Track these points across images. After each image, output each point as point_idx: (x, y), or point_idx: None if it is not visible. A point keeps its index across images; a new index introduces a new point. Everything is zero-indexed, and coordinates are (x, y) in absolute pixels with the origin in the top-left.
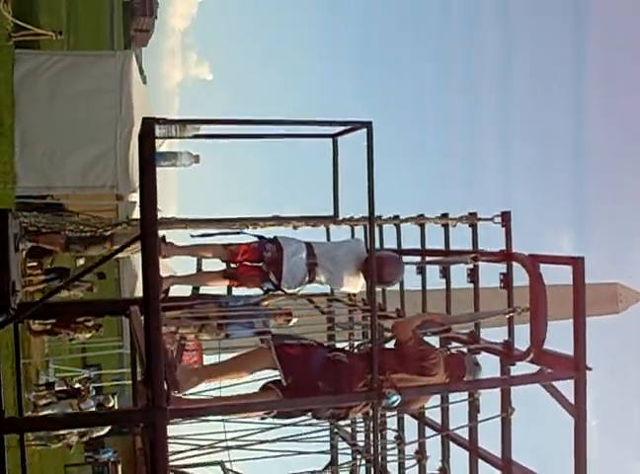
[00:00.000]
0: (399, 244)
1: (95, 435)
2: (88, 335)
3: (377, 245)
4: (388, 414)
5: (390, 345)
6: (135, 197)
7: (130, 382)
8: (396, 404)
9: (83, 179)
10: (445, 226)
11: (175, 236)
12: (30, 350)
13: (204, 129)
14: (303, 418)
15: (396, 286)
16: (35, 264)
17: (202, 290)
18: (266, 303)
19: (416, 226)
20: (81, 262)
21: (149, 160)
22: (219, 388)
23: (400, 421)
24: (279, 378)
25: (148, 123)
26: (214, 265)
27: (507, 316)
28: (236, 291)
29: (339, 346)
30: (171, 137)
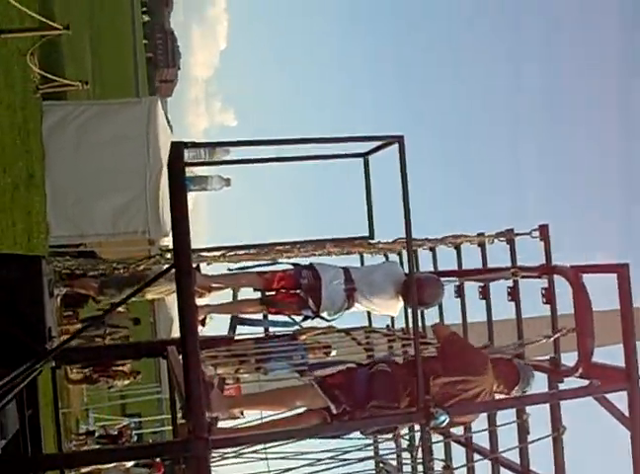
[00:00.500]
0: (435, 266)
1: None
2: (126, 382)
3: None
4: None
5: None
6: (167, 240)
7: (171, 428)
8: (444, 424)
9: (114, 226)
10: (482, 245)
11: (207, 269)
12: (69, 399)
13: (234, 154)
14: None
15: (435, 312)
16: (70, 313)
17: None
18: (303, 337)
19: (451, 249)
20: (118, 310)
21: (179, 184)
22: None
23: (447, 447)
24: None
25: (177, 147)
26: (249, 292)
27: (552, 339)
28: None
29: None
30: (201, 163)
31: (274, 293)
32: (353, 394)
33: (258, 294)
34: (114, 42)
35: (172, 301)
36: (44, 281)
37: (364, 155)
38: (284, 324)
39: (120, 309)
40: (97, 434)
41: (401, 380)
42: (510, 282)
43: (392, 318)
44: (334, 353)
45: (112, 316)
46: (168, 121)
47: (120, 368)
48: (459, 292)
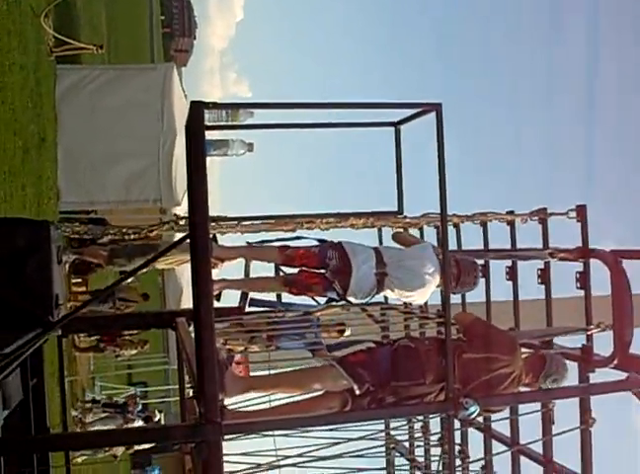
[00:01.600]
0: (459, 244)
1: (141, 448)
2: (134, 351)
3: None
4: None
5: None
6: (179, 209)
7: (177, 399)
8: (474, 415)
9: (126, 193)
10: (512, 224)
11: (223, 239)
12: (76, 367)
13: (257, 117)
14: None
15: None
16: (79, 280)
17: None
18: (318, 313)
19: (477, 227)
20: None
21: (198, 148)
22: (269, 400)
23: (464, 434)
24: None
25: (197, 107)
26: (262, 268)
27: (588, 333)
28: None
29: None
30: (222, 127)
31: (298, 273)
32: (377, 372)
33: (273, 270)
34: (130, 10)
35: (182, 271)
36: (53, 248)
37: (396, 124)
38: (299, 307)
39: (130, 283)
40: (102, 403)
41: (425, 355)
42: (540, 264)
43: None
44: (348, 332)
45: (122, 289)
46: (183, 91)
47: (128, 337)
48: (484, 272)
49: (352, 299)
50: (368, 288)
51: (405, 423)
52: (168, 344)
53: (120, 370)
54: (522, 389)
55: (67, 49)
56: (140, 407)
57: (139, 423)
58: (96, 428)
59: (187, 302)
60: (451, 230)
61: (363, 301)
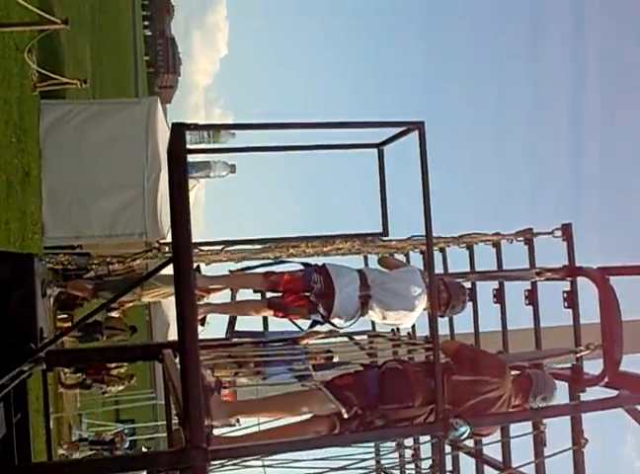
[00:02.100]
0: (445, 268)
1: None
2: (120, 387)
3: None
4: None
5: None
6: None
7: (165, 435)
8: (465, 436)
9: (111, 227)
10: (497, 246)
11: (207, 270)
12: (62, 404)
13: (239, 140)
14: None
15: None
16: (65, 316)
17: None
18: (305, 341)
19: (462, 249)
20: (113, 313)
21: (180, 170)
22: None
23: (455, 461)
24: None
25: (178, 129)
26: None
27: (577, 355)
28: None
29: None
30: (203, 151)
31: (282, 296)
32: (365, 394)
33: (259, 295)
34: (114, 47)
35: (168, 305)
36: (37, 281)
37: (379, 146)
38: (285, 334)
39: (115, 314)
40: (89, 440)
41: (413, 377)
42: (527, 286)
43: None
44: (336, 359)
45: (108, 320)
46: (167, 125)
47: (115, 373)
48: (471, 295)
49: (336, 321)
50: (352, 310)
51: (395, 449)
52: (155, 380)
53: (108, 407)
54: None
55: (51, 84)
56: (128, 443)
57: None
58: None
59: (174, 336)
60: (437, 254)
61: (348, 324)
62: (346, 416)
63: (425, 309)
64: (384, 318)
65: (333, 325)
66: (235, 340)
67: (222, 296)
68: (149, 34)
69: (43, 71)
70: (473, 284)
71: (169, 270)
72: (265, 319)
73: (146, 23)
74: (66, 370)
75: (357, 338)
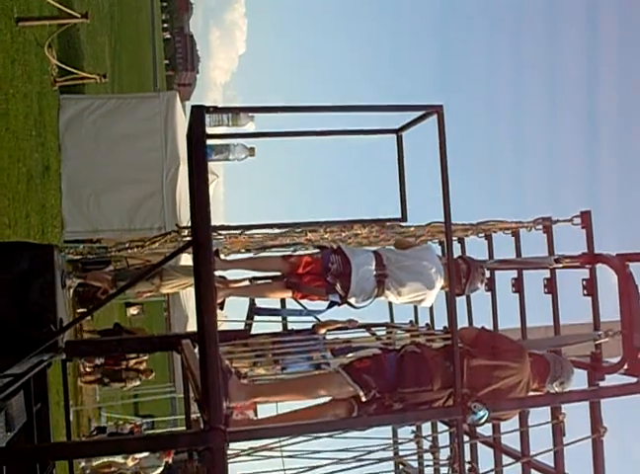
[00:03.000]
0: None
1: None
2: (137, 382)
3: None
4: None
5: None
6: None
7: (184, 429)
8: (483, 420)
9: (130, 221)
10: (516, 235)
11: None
12: (82, 397)
13: (258, 125)
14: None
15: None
16: (84, 309)
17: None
18: (323, 331)
19: (481, 240)
20: (132, 312)
21: (199, 153)
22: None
23: (474, 450)
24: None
25: (198, 111)
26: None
27: (597, 342)
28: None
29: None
30: (222, 136)
31: (301, 276)
32: (383, 378)
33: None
34: (133, 45)
35: (187, 297)
36: (57, 272)
37: (397, 131)
38: (304, 313)
39: (133, 311)
40: (108, 432)
41: (432, 361)
42: (546, 274)
43: (415, 313)
44: (354, 353)
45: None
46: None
47: (135, 366)
48: (490, 284)
49: (353, 301)
50: (369, 290)
51: (413, 439)
52: (174, 374)
53: (127, 400)
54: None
55: (71, 79)
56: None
57: (145, 453)
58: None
59: (192, 329)
60: (456, 244)
61: (365, 303)
62: (364, 399)
63: (443, 288)
64: (402, 297)
65: (350, 304)
66: (253, 330)
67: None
68: (168, 36)
69: (63, 66)
70: (492, 273)
71: (188, 261)
72: (282, 301)
73: (165, 19)
74: (86, 364)
75: (375, 329)
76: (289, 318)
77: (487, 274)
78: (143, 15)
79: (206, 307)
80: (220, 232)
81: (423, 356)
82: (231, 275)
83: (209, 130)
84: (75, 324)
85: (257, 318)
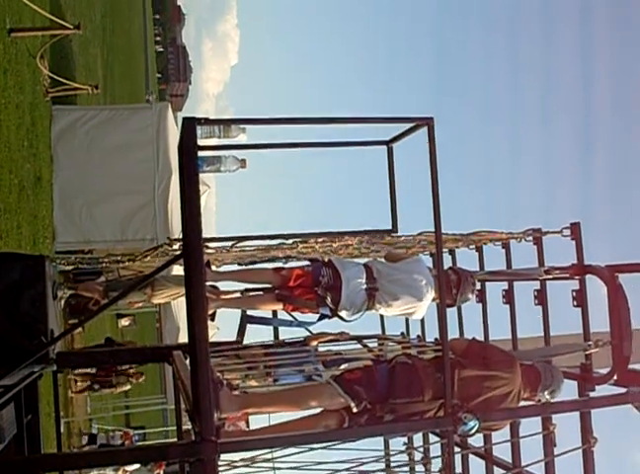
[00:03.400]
0: None
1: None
2: (128, 387)
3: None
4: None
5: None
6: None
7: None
8: (474, 430)
9: (122, 232)
10: (507, 246)
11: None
12: (72, 409)
13: (250, 136)
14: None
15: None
16: (75, 321)
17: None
18: (314, 343)
19: (472, 251)
20: (124, 323)
21: (191, 164)
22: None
23: (464, 460)
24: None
25: (189, 123)
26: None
27: (587, 352)
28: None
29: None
30: (214, 148)
31: (292, 289)
32: (374, 389)
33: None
34: (126, 56)
35: (178, 308)
36: (48, 283)
37: (388, 143)
38: (294, 324)
39: (125, 323)
40: (99, 443)
41: (423, 372)
42: (536, 285)
43: (407, 325)
44: (345, 364)
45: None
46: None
47: (126, 371)
48: (481, 296)
49: (343, 314)
50: (359, 303)
51: (404, 450)
52: (166, 385)
53: (118, 412)
54: (522, 404)
55: (63, 90)
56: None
57: (136, 465)
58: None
59: (183, 341)
60: (447, 256)
61: (355, 316)
62: (355, 410)
63: (434, 300)
64: (392, 310)
65: (340, 318)
66: (245, 341)
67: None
68: (161, 50)
69: (55, 77)
70: (482, 285)
71: (179, 271)
72: (274, 311)
73: (157, 32)
74: (77, 379)
75: (366, 341)
76: (281, 328)
77: (477, 285)
78: (135, 26)
79: (198, 318)
80: (209, 246)
81: (414, 367)
82: (223, 286)
83: (201, 142)
84: (66, 335)
85: (249, 327)
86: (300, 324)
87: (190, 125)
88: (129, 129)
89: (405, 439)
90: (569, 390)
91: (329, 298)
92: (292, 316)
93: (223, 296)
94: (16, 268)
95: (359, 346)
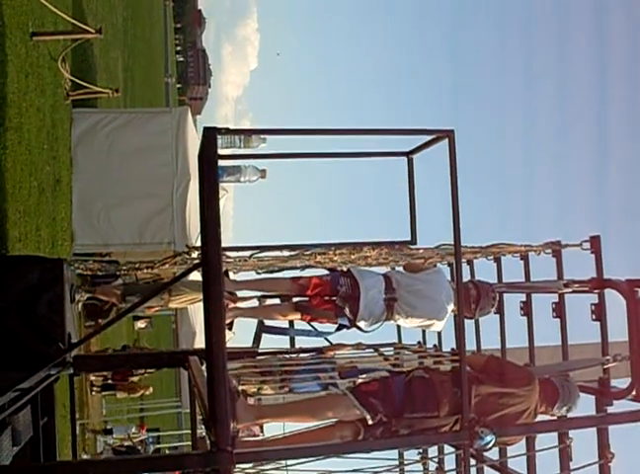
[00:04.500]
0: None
1: None
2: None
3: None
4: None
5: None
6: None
7: (190, 443)
8: (490, 445)
9: (140, 236)
10: (525, 258)
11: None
12: (88, 411)
13: (270, 146)
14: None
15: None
16: (92, 323)
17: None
18: (331, 353)
19: (490, 262)
20: (140, 325)
21: (211, 174)
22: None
23: (480, 472)
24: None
25: (210, 133)
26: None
27: (605, 367)
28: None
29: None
30: (233, 157)
31: (310, 299)
32: (390, 402)
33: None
34: (146, 61)
35: (195, 313)
36: (66, 286)
37: (408, 154)
38: (312, 334)
39: (141, 325)
40: (112, 447)
41: (440, 387)
42: (555, 298)
43: (424, 334)
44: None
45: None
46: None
47: (135, 380)
48: (499, 308)
49: (362, 325)
50: (378, 313)
51: (418, 460)
52: (180, 388)
53: (133, 414)
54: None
55: (84, 93)
56: (152, 451)
57: None
58: None
59: (200, 345)
60: (465, 266)
61: (374, 327)
62: (370, 422)
63: (453, 312)
64: (411, 321)
65: (359, 328)
66: (261, 349)
67: (249, 302)
68: (182, 59)
69: (76, 80)
70: (500, 296)
71: (197, 276)
72: (291, 321)
73: (177, 41)
74: (93, 379)
75: (383, 350)
76: (297, 338)
77: (497, 297)
78: (156, 31)
79: (216, 329)
80: (229, 256)
81: (431, 382)
82: (240, 293)
83: (221, 152)
84: (86, 341)
85: (264, 335)
86: (319, 334)
87: (211, 135)
88: (149, 133)
89: (419, 450)
90: (586, 404)
91: (347, 309)
92: (312, 326)
93: (240, 303)
94: (35, 271)
95: (375, 354)
